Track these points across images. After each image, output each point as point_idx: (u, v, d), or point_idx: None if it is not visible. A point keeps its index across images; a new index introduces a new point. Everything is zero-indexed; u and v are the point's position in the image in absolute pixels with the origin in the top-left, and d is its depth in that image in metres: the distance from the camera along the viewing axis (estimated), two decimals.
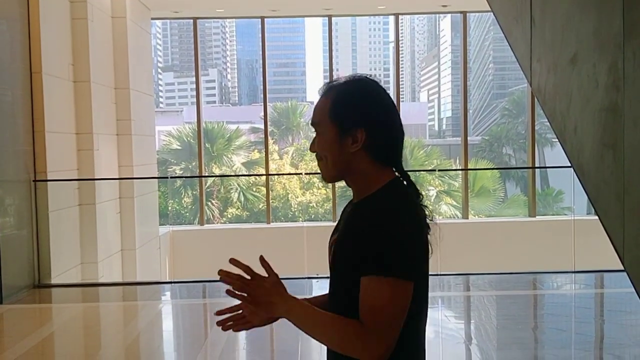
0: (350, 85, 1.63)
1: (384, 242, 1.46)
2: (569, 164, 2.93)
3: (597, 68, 2.50)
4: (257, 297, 1.52)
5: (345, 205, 1.78)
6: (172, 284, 7.58)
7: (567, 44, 2.79)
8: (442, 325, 5.60)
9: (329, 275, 1.66)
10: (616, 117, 2.35)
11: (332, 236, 1.70)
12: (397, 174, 1.63)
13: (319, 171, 1.71)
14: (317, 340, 1.52)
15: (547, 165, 21.12)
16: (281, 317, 1.53)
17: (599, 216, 2.60)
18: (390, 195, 1.57)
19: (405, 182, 1.63)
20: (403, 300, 1.46)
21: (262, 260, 1.60)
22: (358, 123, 1.58)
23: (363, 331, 1.44)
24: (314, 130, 1.64)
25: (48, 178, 7.03)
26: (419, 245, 1.53)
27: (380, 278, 1.43)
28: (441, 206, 18.84)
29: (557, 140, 3.10)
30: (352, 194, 1.69)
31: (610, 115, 2.40)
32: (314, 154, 1.67)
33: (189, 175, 23.43)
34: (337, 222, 1.76)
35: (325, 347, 1.59)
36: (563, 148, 2.91)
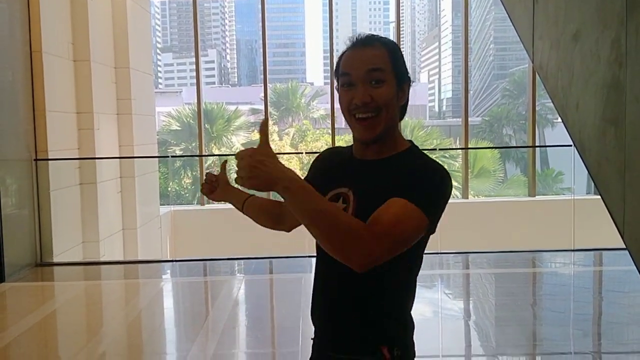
0: (393, 42, 1.60)
1: (431, 184, 1.47)
2: (569, 144, 2.93)
3: (599, 44, 2.50)
4: (257, 166, 1.32)
5: (326, 156, 1.77)
6: (173, 263, 7.61)
7: (569, 20, 2.79)
8: (441, 304, 5.65)
9: None
10: (618, 93, 2.36)
11: (329, 188, 1.62)
12: None
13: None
14: (311, 224, 1.35)
15: (549, 144, 21.12)
16: (277, 189, 1.33)
17: (599, 192, 2.62)
18: (425, 154, 1.57)
19: None
20: (415, 230, 1.43)
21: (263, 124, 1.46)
22: (407, 78, 1.59)
23: (367, 230, 1.36)
24: (371, 77, 1.53)
25: (49, 157, 7.05)
26: (445, 199, 1.52)
27: (407, 202, 1.41)
28: None
29: (557, 120, 3.10)
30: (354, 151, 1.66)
31: (613, 91, 2.40)
32: (360, 105, 1.53)
33: (188, 154, 23.44)
34: (318, 172, 1.74)
35: None
36: (565, 125, 2.92)
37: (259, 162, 1.31)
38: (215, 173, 2.00)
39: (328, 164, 1.73)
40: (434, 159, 1.55)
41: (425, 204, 1.43)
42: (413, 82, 1.62)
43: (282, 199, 1.38)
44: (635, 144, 2.27)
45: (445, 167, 1.56)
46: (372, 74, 1.52)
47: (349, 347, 1.57)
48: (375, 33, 1.66)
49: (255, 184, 1.32)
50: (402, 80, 1.56)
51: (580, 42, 2.69)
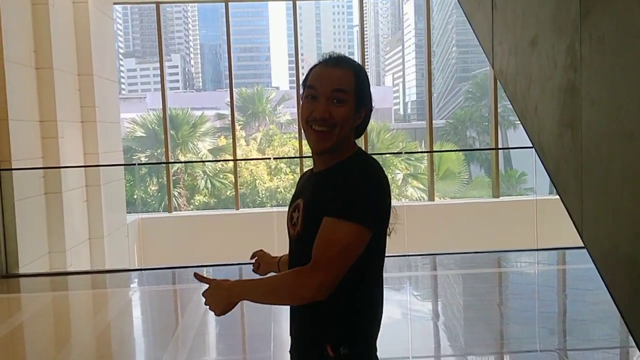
0: (362, 67, 1.76)
1: (352, 191, 1.59)
2: (531, 145, 3.03)
3: (555, 49, 2.59)
4: (213, 301, 1.68)
5: (303, 174, 1.93)
6: (142, 271, 7.56)
7: (527, 26, 2.88)
8: (409, 306, 5.73)
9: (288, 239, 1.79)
10: (574, 97, 2.45)
11: (292, 202, 1.79)
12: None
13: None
14: (274, 303, 1.69)
15: (509, 147, 21.50)
16: (240, 301, 1.66)
17: (559, 193, 2.71)
18: (361, 159, 1.72)
19: None
20: (356, 244, 1.57)
21: (196, 275, 1.80)
22: (367, 103, 1.75)
23: (304, 268, 1.56)
24: (333, 96, 1.67)
25: (12, 167, 6.94)
26: (383, 202, 1.65)
27: (341, 220, 1.55)
28: (407, 189, 19.07)
29: (519, 122, 3.20)
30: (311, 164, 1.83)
31: (569, 95, 2.49)
32: (319, 119, 1.68)
33: (154, 162, 23.23)
34: (295, 189, 1.90)
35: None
36: (524, 128, 3.01)
37: (210, 298, 1.68)
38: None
39: (300, 181, 1.91)
40: (372, 163, 1.70)
41: (360, 215, 1.56)
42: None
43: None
44: (591, 146, 2.36)
45: (385, 171, 1.71)
46: (336, 94, 1.67)
47: (302, 344, 1.75)
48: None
49: (220, 311, 1.68)
50: (361, 103, 1.72)
51: (537, 48, 2.79)
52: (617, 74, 2.14)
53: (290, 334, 1.81)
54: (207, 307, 1.69)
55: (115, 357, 4.77)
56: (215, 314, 1.68)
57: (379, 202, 1.63)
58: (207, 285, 1.71)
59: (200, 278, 1.76)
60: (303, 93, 1.72)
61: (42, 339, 5.17)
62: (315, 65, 1.74)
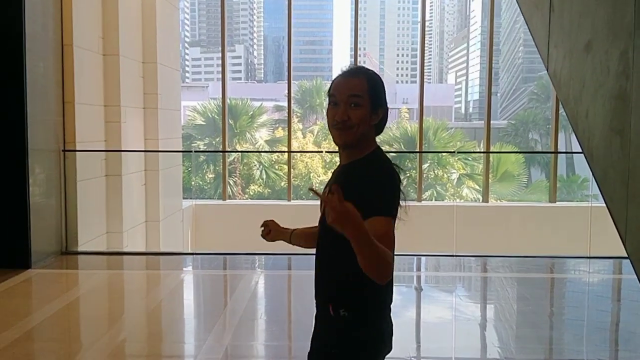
0: (376, 75, 2.06)
1: (383, 190, 1.91)
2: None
3: (609, 55, 2.56)
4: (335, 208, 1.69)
5: (335, 169, 2.19)
6: (194, 256, 7.77)
7: (582, 31, 2.85)
8: (456, 306, 5.71)
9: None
10: (625, 104, 2.42)
11: (324, 190, 2.07)
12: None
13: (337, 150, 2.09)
14: (364, 257, 1.75)
15: (570, 151, 20.90)
16: (350, 227, 1.70)
17: (605, 200, 2.68)
18: (377, 156, 2.02)
19: None
20: (393, 232, 1.88)
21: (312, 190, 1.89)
22: (383, 104, 2.03)
23: (388, 254, 1.80)
24: (350, 100, 1.97)
25: (77, 148, 7.23)
26: (398, 193, 1.96)
27: (386, 217, 1.86)
28: (462, 189, 18.83)
29: None
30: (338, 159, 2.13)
31: (620, 102, 2.46)
32: (339, 121, 1.97)
33: (211, 150, 23.62)
34: (329, 180, 2.19)
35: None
36: (575, 132, 2.98)
37: (343, 214, 1.68)
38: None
39: (334, 173, 2.19)
40: (386, 160, 2.01)
41: (386, 209, 1.88)
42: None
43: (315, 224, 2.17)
44: (638, 154, 2.33)
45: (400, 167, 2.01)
46: (352, 98, 1.97)
47: (317, 301, 2.11)
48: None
49: (337, 224, 1.70)
50: (376, 105, 2.00)
51: (591, 53, 2.75)
52: None
53: (315, 297, 2.14)
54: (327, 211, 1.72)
55: (164, 335, 4.94)
56: (329, 220, 1.71)
57: (396, 194, 1.94)
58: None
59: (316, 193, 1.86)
60: (328, 102, 2.03)
61: (96, 315, 5.40)
62: (336, 78, 2.05)
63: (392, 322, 2.12)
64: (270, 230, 2.48)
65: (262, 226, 2.50)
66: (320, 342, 2.10)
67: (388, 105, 2.06)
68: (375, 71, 2.10)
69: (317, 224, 2.25)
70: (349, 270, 1.89)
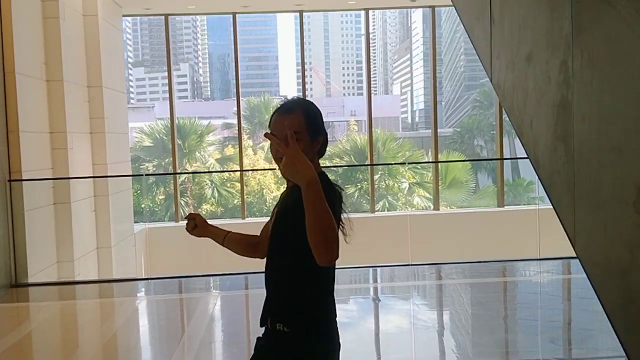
0: (311, 105, 2.22)
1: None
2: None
3: (549, 65, 2.66)
4: (292, 156, 1.89)
5: (282, 192, 2.34)
6: (148, 281, 7.65)
7: (523, 42, 2.96)
8: (414, 315, 5.78)
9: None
10: (567, 112, 2.51)
11: (273, 211, 2.29)
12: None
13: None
14: (313, 221, 1.84)
15: (516, 157, 21.48)
16: (305, 180, 1.86)
17: (552, 205, 2.77)
18: (323, 179, 2.07)
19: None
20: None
21: (267, 135, 2.08)
22: (321, 132, 2.19)
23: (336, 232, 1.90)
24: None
25: (23, 177, 7.05)
26: (338, 214, 2.09)
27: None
28: (414, 198, 19.09)
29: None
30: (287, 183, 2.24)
31: (562, 110, 2.56)
32: (280, 159, 2.03)
33: (162, 172, 23.34)
34: (276, 204, 2.33)
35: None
36: (520, 141, 3.07)
37: (294, 159, 1.88)
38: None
39: (281, 196, 2.35)
40: (329, 182, 2.12)
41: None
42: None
43: (257, 234, 2.27)
44: (582, 160, 2.42)
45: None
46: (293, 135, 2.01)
47: (261, 316, 2.17)
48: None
49: (289, 174, 1.91)
50: (315, 135, 2.15)
51: (532, 63, 2.86)
52: (605, 90, 2.21)
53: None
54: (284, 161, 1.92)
55: None
56: (282, 171, 1.94)
57: (339, 212, 2.10)
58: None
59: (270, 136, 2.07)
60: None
61: (50, 348, 5.25)
62: (273, 113, 2.20)
63: (337, 339, 2.16)
64: (196, 225, 2.44)
65: (186, 218, 2.46)
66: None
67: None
68: (311, 100, 2.27)
69: (256, 234, 2.47)
70: (291, 282, 2.07)
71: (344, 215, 2.16)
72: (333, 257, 1.87)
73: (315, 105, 2.24)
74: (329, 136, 2.31)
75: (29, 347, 5.35)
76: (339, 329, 2.18)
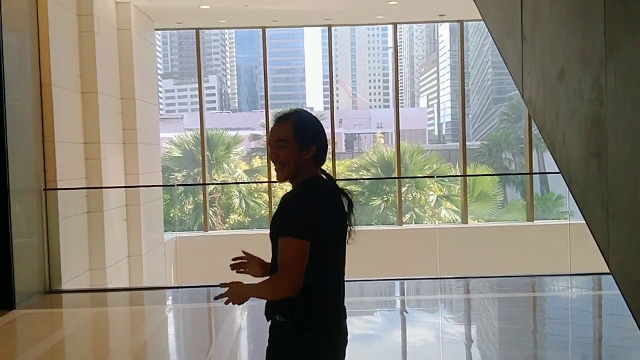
0: (303, 114, 2.49)
1: (293, 212, 2.32)
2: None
3: (582, 83, 2.68)
4: (235, 294, 2.36)
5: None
6: (178, 289, 7.74)
7: (555, 60, 2.98)
8: (442, 328, 5.77)
9: None
10: (600, 129, 2.53)
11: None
12: (320, 171, 2.47)
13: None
14: (271, 299, 2.34)
15: (545, 172, 21.26)
16: (251, 297, 2.36)
17: (586, 221, 2.78)
18: (308, 184, 2.39)
19: (325, 176, 2.47)
20: (301, 253, 2.25)
21: (221, 285, 2.40)
22: (314, 141, 2.42)
23: (277, 275, 2.30)
24: (278, 145, 2.39)
25: (58, 187, 7.21)
26: (321, 217, 2.32)
27: (287, 238, 2.27)
28: (441, 211, 18.99)
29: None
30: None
31: (595, 127, 2.58)
32: (273, 161, 2.44)
33: (193, 183, 23.56)
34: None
35: None
36: (553, 157, 3.09)
37: (232, 292, 2.36)
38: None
39: None
40: (313, 187, 2.38)
41: (291, 231, 2.27)
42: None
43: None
44: (616, 176, 2.43)
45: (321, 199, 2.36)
46: (279, 143, 2.40)
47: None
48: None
49: (240, 301, 2.36)
50: (305, 143, 2.38)
51: (565, 81, 2.88)
52: None
53: None
54: (229, 301, 2.36)
55: None
56: (237, 304, 2.36)
57: (316, 218, 2.30)
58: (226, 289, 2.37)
59: (223, 285, 2.38)
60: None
61: (83, 354, 5.36)
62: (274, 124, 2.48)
63: (340, 340, 2.43)
64: (248, 268, 2.66)
65: (237, 260, 2.69)
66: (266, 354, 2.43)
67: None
68: (309, 111, 2.56)
69: None
70: None
71: (352, 224, 2.46)
72: (287, 292, 2.26)
73: (310, 115, 2.52)
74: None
75: (62, 353, 5.46)
76: (349, 337, 2.46)
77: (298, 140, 2.39)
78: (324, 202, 2.38)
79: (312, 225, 2.28)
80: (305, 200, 2.34)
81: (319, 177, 2.46)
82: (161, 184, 11.53)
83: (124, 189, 9.05)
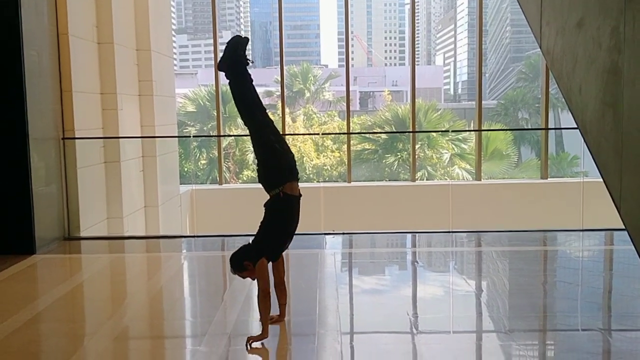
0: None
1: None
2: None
3: (600, 31, 2.68)
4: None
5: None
6: (193, 238, 7.89)
7: (574, 8, 2.97)
8: (452, 279, 5.87)
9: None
10: (616, 78, 2.54)
11: None
12: None
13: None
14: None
15: (560, 127, 21.04)
16: None
17: (599, 170, 2.81)
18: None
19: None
20: (261, 269, 4.07)
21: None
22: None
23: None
24: None
25: (76, 136, 7.31)
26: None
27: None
28: (454, 170, 19.00)
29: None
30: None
31: (611, 76, 2.59)
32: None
33: (208, 134, 23.67)
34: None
35: None
36: (569, 107, 3.11)
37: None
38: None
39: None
40: None
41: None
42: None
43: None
44: (630, 126, 2.46)
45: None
46: None
47: None
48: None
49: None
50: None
51: (583, 30, 2.88)
52: None
53: None
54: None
55: (168, 314, 5.06)
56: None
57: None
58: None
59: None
60: None
61: (100, 297, 5.51)
62: None
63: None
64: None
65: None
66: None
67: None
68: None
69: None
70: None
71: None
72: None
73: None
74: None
75: (81, 296, 5.63)
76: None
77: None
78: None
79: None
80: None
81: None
82: (177, 135, 11.61)
83: (140, 139, 9.13)
